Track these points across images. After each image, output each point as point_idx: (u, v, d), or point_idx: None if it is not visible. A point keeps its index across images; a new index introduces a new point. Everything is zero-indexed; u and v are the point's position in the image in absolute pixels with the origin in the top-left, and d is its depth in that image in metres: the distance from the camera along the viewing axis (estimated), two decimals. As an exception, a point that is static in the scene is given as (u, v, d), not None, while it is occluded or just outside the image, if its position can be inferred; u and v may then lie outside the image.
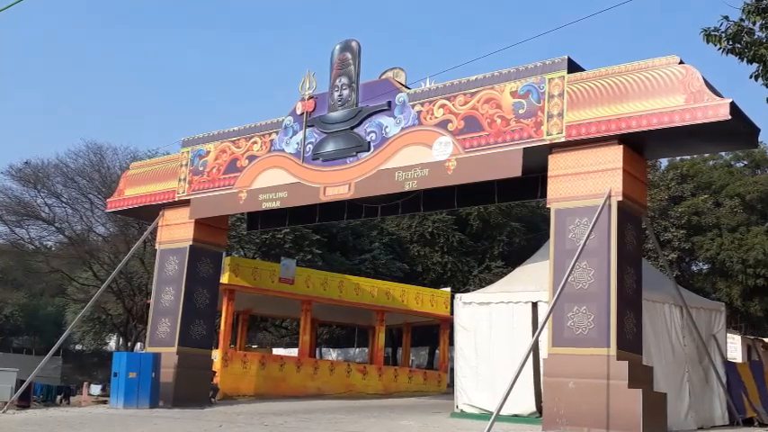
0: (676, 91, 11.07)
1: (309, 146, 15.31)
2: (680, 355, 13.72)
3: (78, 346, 44.33)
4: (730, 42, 10.55)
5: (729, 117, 10.58)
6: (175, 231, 17.52)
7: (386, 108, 14.28)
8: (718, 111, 10.65)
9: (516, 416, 13.39)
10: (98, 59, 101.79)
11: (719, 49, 10.60)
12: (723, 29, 10.54)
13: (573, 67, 12.27)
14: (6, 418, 14.10)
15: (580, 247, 11.35)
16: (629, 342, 11.57)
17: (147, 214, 18.92)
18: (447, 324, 25.48)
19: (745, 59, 10.63)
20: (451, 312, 19.12)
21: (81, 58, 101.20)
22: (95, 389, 21.76)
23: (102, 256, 29.82)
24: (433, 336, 31.03)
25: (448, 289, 27.49)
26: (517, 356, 11.45)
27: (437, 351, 30.35)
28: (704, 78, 10.95)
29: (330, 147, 14.99)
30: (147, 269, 26.05)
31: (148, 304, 19.08)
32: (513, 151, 12.52)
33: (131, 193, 18.54)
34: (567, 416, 11.24)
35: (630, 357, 11.36)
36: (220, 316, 20.99)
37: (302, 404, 18.57)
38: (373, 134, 14.42)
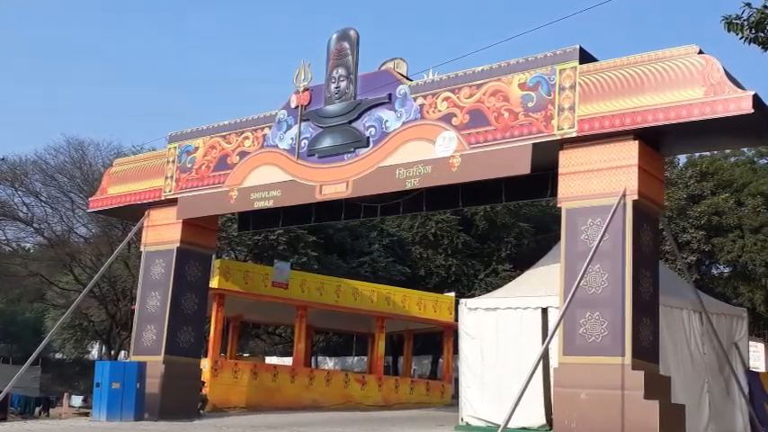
0: (695, 83, 11.07)
1: (304, 141, 15.31)
2: (699, 364, 13.73)
3: (58, 355, 44.31)
4: (753, 31, 10.54)
5: (752, 110, 10.57)
6: (162, 232, 17.52)
7: (386, 101, 14.28)
8: (740, 104, 10.65)
9: (525, 429, 13.40)
10: (79, 50, 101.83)
11: (741, 38, 10.59)
12: (745, 16, 10.53)
13: (585, 57, 12.26)
14: (-18, 432, 14.10)
15: (593, 249, 11.35)
16: (646, 350, 11.56)
17: (131, 214, 18.94)
18: (451, 331, 25.47)
19: (770, 49, 10.61)
20: (456, 319, 19.13)
21: (62, 49, 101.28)
22: (77, 400, 21.80)
23: (83, 259, 29.82)
24: (436, 343, 31.03)
25: (452, 294, 27.50)
26: (526, 365, 11.44)
27: (440, 360, 30.34)
28: (725, 69, 10.95)
29: (326, 142, 14.99)
30: (132, 273, 26.06)
31: (133, 310, 19.09)
32: (521, 147, 12.52)
33: (115, 191, 18.55)
34: (578, 429, 11.23)
35: (647, 367, 11.36)
36: (209, 322, 21.00)
37: (297, 416, 18.58)
38: (372, 129, 14.43)
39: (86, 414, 18.00)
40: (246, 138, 16.32)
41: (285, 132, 15.68)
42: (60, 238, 30.06)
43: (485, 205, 30.15)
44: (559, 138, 12.23)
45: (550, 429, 12.52)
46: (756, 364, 20.91)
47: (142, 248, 18.08)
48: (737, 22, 10.57)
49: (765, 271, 33.41)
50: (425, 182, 13.73)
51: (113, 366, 16.57)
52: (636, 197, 11.60)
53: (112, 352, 30.41)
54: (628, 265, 11.44)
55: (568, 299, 11.22)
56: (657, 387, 11.34)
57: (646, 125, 11.44)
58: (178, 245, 17.17)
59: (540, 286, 14.09)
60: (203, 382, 18.73)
